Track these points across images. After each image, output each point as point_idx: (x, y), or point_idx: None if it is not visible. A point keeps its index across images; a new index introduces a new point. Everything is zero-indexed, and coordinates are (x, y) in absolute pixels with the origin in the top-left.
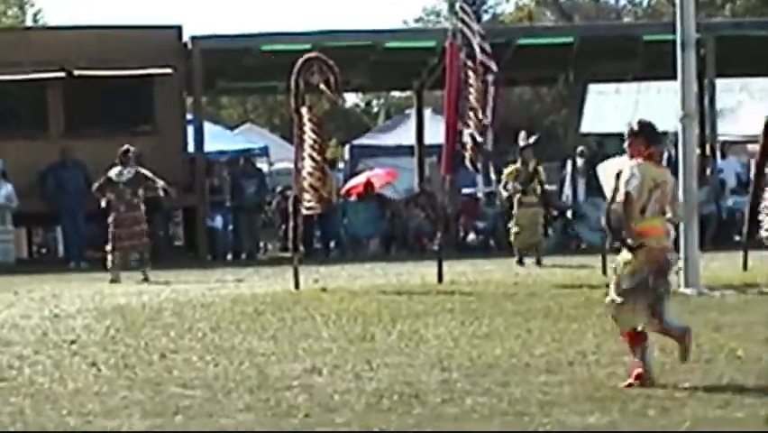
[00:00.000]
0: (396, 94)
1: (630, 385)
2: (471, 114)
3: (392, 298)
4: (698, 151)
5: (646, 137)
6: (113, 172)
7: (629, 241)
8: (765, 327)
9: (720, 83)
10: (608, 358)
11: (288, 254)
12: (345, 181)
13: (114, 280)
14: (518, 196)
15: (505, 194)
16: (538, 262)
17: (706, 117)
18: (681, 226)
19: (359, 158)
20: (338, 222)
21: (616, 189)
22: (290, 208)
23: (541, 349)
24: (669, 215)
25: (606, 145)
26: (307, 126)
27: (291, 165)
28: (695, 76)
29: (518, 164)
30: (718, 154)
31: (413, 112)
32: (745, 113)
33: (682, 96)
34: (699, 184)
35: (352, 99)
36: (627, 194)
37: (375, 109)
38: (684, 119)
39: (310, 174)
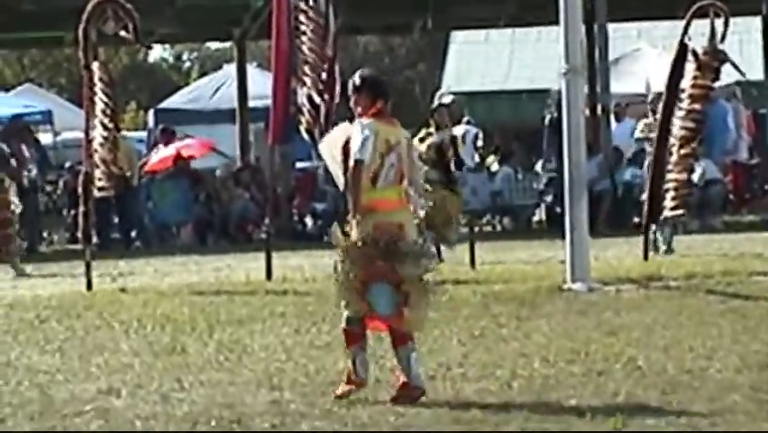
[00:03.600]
0: (212, 45)
1: (348, 393)
2: (307, 68)
3: (209, 299)
4: (586, 112)
5: (371, 91)
6: None
7: (355, 218)
8: (670, 329)
9: (614, 28)
10: (478, 371)
11: (78, 247)
12: (149, 155)
13: None
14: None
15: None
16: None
17: (596, 71)
18: (567, 206)
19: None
20: (141, 206)
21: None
22: (80, 189)
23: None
24: (405, 183)
25: None
26: (99, 87)
27: (82, 135)
28: (582, 20)
29: (431, 128)
30: (612, 117)
31: (233, 67)
32: (644, 65)
33: (566, 45)
34: (589, 154)
35: (157, 53)
36: (357, 162)
37: (186, 65)
38: (568, 74)
39: (101, 146)
